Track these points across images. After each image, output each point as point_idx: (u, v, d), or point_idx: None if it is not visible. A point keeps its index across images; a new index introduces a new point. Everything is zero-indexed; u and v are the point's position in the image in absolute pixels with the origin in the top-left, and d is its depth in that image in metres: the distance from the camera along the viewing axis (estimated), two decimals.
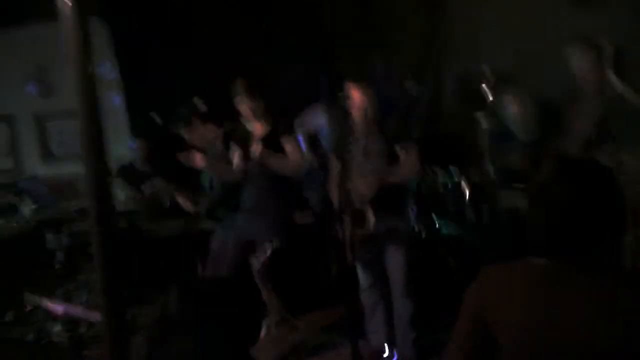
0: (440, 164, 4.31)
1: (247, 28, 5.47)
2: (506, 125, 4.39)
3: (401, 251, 3.64)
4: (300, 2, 5.44)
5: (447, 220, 4.27)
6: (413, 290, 3.68)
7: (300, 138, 4.66)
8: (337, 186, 3.31)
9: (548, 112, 4.40)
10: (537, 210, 1.62)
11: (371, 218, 3.42)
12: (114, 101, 5.89)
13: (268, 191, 3.94)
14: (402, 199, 3.82)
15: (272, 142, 3.86)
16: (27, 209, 4.97)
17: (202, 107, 3.97)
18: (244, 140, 4.00)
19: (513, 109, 4.30)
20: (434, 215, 4.31)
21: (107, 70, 5.69)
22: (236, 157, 4.06)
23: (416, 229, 4.31)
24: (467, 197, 4.03)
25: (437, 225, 4.36)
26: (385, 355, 3.83)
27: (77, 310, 3.08)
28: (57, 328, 4.13)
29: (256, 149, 3.79)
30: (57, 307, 2.94)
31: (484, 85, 4.17)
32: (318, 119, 5.07)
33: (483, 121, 4.21)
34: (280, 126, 3.92)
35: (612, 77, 3.55)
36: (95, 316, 2.71)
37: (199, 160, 3.89)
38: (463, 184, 4.06)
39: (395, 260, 3.66)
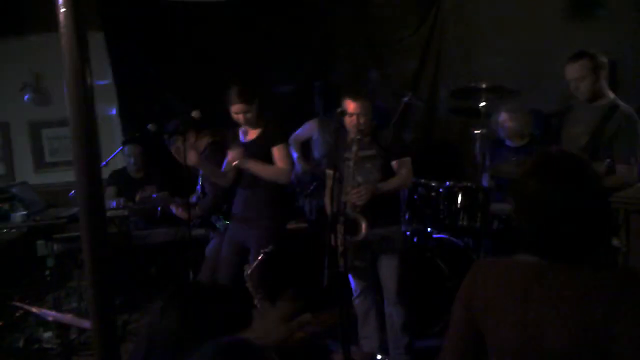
0: (433, 172, 4.32)
1: (243, 39, 5.49)
2: (499, 134, 4.42)
3: (394, 258, 3.65)
4: (296, 16, 5.48)
5: (440, 226, 4.28)
6: (406, 296, 3.69)
7: (292, 147, 4.69)
8: (331, 195, 3.33)
9: (542, 121, 4.44)
10: (521, 209, 1.61)
11: (364, 225, 3.42)
12: (107, 108, 5.90)
13: (260, 197, 3.94)
14: (395, 207, 3.83)
15: (261, 148, 3.87)
16: (18, 215, 4.94)
17: (197, 116, 3.96)
18: (236, 146, 4.00)
19: (506, 118, 4.32)
20: (426, 222, 4.32)
21: (102, 78, 5.70)
22: (228, 162, 4.06)
23: (409, 235, 4.32)
24: (460, 203, 4.04)
25: (429, 231, 4.37)
26: None
27: (67, 317, 3.06)
28: (48, 334, 4.12)
29: (233, 153, 3.79)
30: (47, 314, 2.92)
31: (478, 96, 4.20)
32: (310, 130, 5.09)
33: (476, 130, 4.24)
34: (272, 133, 3.93)
35: (606, 87, 3.58)
36: (86, 323, 2.70)
37: (192, 157, 3.88)
38: (456, 191, 4.07)
39: (388, 267, 3.66)
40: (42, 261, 4.64)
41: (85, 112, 1.22)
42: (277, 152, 3.86)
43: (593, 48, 3.58)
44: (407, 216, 4.27)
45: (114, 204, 4.81)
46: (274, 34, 5.48)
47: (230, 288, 3.46)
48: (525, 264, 1.59)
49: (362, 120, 3.53)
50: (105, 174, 5.27)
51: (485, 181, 4.21)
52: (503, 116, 4.32)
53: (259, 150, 3.85)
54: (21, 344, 4.07)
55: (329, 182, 3.63)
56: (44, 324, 4.07)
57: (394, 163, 3.65)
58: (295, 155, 4.82)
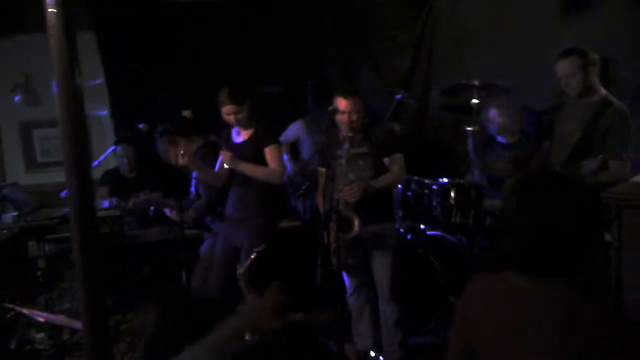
0: (426, 170, 4.33)
1: (235, 39, 5.48)
2: (490, 131, 4.43)
3: (387, 255, 3.66)
4: (287, 14, 5.47)
5: (433, 223, 4.29)
6: (399, 293, 3.69)
7: (282, 149, 4.69)
8: (323, 192, 3.33)
9: (534, 118, 4.45)
10: (502, 228, 1.66)
11: (356, 223, 3.43)
12: (99, 108, 5.89)
13: (252, 197, 3.94)
14: (388, 204, 3.84)
15: (253, 149, 3.86)
16: (9, 216, 4.91)
17: (189, 115, 3.95)
18: (227, 147, 4.00)
19: (496, 114, 4.33)
20: (419, 219, 4.33)
21: (94, 78, 5.69)
22: (219, 163, 4.06)
23: (402, 232, 4.33)
24: (453, 200, 4.05)
25: (422, 228, 4.38)
26: (372, 357, 3.83)
27: (59, 319, 3.04)
28: (40, 336, 4.10)
29: (224, 155, 3.78)
30: (39, 315, 2.90)
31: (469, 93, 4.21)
32: (297, 131, 5.10)
33: (469, 127, 4.25)
34: (264, 134, 3.93)
35: (597, 84, 3.59)
36: (78, 324, 2.68)
37: (184, 158, 3.87)
38: (449, 188, 4.08)
39: (381, 264, 3.67)
40: (34, 262, 4.62)
41: (74, 112, 1.22)
42: (269, 152, 3.86)
43: (585, 45, 3.59)
44: (400, 213, 4.27)
45: (106, 203, 4.79)
46: (265, 33, 5.47)
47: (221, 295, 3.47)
48: (511, 282, 1.62)
49: (353, 118, 3.53)
50: (98, 174, 5.25)
51: (478, 178, 4.22)
52: (493, 112, 4.34)
53: (251, 151, 3.85)
54: (13, 345, 4.04)
55: (321, 180, 3.63)
56: (37, 325, 4.05)
57: (386, 160, 3.66)
58: (285, 156, 4.82)
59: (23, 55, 5.73)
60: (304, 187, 4.80)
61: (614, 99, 3.53)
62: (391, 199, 3.91)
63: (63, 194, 4.70)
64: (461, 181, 4.12)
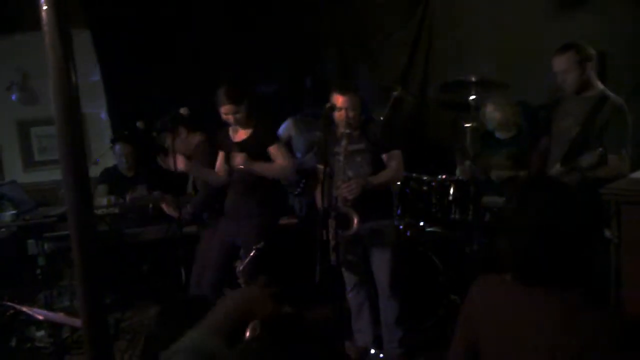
0: (425, 166, 4.33)
1: (231, 36, 5.47)
2: (487, 126, 4.42)
3: (386, 252, 3.65)
4: (284, 11, 5.46)
5: (432, 220, 4.29)
6: (399, 290, 3.70)
7: None
8: (322, 189, 3.33)
9: (531, 113, 4.44)
10: (500, 234, 1.69)
11: (355, 220, 3.42)
12: (97, 107, 5.89)
13: (251, 194, 3.94)
14: (387, 200, 3.84)
15: (255, 148, 3.86)
16: (7, 214, 4.91)
17: (185, 113, 3.95)
18: (227, 145, 4.00)
19: (492, 109, 4.32)
20: (418, 216, 4.33)
21: (90, 76, 5.68)
22: (219, 161, 4.06)
23: (401, 228, 4.33)
24: (452, 196, 4.05)
25: (422, 225, 4.38)
26: (372, 354, 3.83)
27: (58, 316, 3.04)
28: (40, 333, 4.10)
29: (236, 156, 3.79)
30: (39, 313, 2.90)
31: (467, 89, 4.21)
32: (288, 130, 5.10)
33: (467, 124, 4.24)
34: (266, 133, 3.93)
35: (595, 79, 3.58)
36: (78, 322, 2.68)
37: (180, 162, 3.88)
38: (447, 184, 4.08)
39: (380, 261, 3.67)
40: (33, 260, 4.62)
41: (70, 110, 1.21)
42: (274, 150, 3.89)
43: (582, 40, 3.58)
44: (399, 210, 4.27)
45: (104, 202, 4.79)
46: (262, 31, 5.46)
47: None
48: (512, 284, 1.65)
49: (351, 115, 3.53)
50: (97, 172, 5.25)
51: (475, 172, 4.21)
52: (489, 107, 4.33)
53: (253, 150, 3.85)
54: (13, 343, 4.05)
55: (319, 177, 3.63)
56: (36, 323, 4.05)
57: (384, 156, 3.65)
58: None
59: (19, 54, 5.73)
60: (301, 185, 4.80)
61: (611, 94, 3.52)
62: (390, 195, 3.91)
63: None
64: (460, 177, 4.12)
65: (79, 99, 1.24)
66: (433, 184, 4.13)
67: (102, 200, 4.78)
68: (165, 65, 5.48)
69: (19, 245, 4.71)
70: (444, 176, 4.14)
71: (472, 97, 4.19)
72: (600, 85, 3.58)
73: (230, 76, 4.38)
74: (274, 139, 3.97)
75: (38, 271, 4.65)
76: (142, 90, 5.52)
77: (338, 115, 3.54)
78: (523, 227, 1.58)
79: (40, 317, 2.87)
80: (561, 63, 3.52)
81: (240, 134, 3.97)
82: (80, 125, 1.26)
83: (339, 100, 3.52)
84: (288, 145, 5.13)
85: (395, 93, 4.87)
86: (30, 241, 4.58)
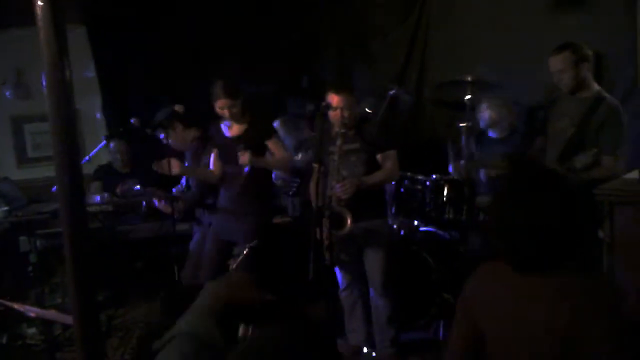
0: (419, 166, 4.33)
1: (228, 32, 5.46)
2: (481, 126, 4.43)
3: (379, 251, 3.65)
4: (281, 9, 5.45)
5: (426, 219, 4.29)
6: (392, 289, 3.70)
7: None
8: (316, 189, 3.32)
9: (526, 113, 4.45)
10: (491, 224, 1.72)
11: (349, 219, 3.42)
12: (92, 103, 5.87)
13: (245, 193, 3.94)
14: (380, 200, 3.83)
15: (252, 142, 3.86)
16: (0, 211, 4.88)
17: (180, 110, 3.95)
18: (220, 141, 3.99)
19: (484, 107, 4.32)
20: (413, 215, 4.33)
21: (85, 72, 5.66)
22: (213, 159, 4.05)
23: (395, 228, 4.33)
24: (446, 196, 4.05)
25: (416, 225, 4.38)
26: (364, 353, 3.83)
27: (50, 314, 3.03)
28: (32, 331, 4.08)
29: (243, 157, 3.80)
30: (30, 310, 2.89)
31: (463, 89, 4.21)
32: (278, 130, 5.09)
33: (462, 123, 4.25)
34: (262, 128, 3.94)
35: (591, 79, 3.59)
36: (69, 319, 2.67)
37: (175, 167, 3.88)
38: (442, 184, 4.08)
39: (373, 260, 3.67)
40: (25, 257, 4.60)
41: (64, 106, 1.21)
42: (272, 144, 3.94)
43: (579, 40, 3.59)
44: (393, 209, 4.27)
45: (97, 198, 4.77)
46: (259, 28, 5.45)
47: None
48: (507, 273, 1.66)
49: (346, 114, 3.52)
50: (91, 169, 5.23)
51: (470, 172, 4.22)
52: (483, 106, 4.33)
53: (250, 145, 3.85)
54: (4, 340, 4.03)
55: (314, 176, 3.63)
56: (28, 320, 4.04)
57: (378, 156, 3.65)
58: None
59: (14, 50, 5.71)
60: (295, 185, 4.80)
61: (607, 95, 3.53)
62: (383, 195, 3.91)
63: (54, 188, 4.67)
64: (454, 177, 4.12)
65: (73, 96, 1.23)
66: (427, 183, 4.13)
67: (95, 197, 4.76)
68: (160, 61, 5.47)
69: (11, 242, 4.69)
70: (438, 176, 4.14)
71: (468, 96, 4.20)
72: (596, 86, 3.59)
73: (227, 72, 4.38)
74: (272, 133, 3.99)
75: (30, 268, 4.63)
76: (137, 86, 5.51)
77: (333, 115, 3.54)
78: (518, 227, 1.58)
79: (32, 314, 2.86)
80: (557, 63, 3.53)
81: (235, 129, 3.96)
82: (75, 122, 1.25)
83: (334, 99, 3.52)
84: None
85: (391, 92, 4.87)
86: (23, 238, 4.57)
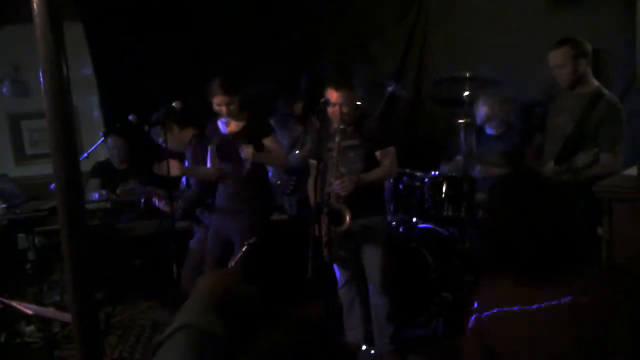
0: (418, 162, 4.33)
1: (228, 32, 5.45)
2: (477, 122, 4.42)
3: (378, 248, 3.65)
4: (282, 9, 5.44)
5: (425, 216, 4.29)
6: (390, 286, 3.69)
7: None
8: (315, 185, 3.32)
9: (525, 109, 4.44)
10: (492, 231, 1.70)
11: (348, 216, 3.42)
12: (89, 100, 5.86)
13: (244, 190, 3.93)
14: (379, 197, 3.83)
15: (250, 139, 3.86)
16: None
17: (178, 107, 3.93)
18: (220, 139, 3.99)
19: (481, 103, 4.32)
20: (411, 212, 4.33)
21: (83, 70, 5.65)
22: (211, 157, 4.05)
23: (393, 224, 4.33)
24: (445, 193, 4.05)
25: (414, 221, 4.38)
26: (363, 350, 3.83)
27: (48, 311, 3.02)
28: (30, 328, 4.08)
29: (246, 151, 3.80)
30: (28, 308, 2.88)
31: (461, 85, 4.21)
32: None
33: (460, 120, 4.24)
34: (260, 125, 3.94)
35: (590, 75, 3.58)
36: (68, 317, 2.67)
37: (175, 168, 3.87)
38: (441, 181, 4.08)
39: (372, 257, 3.66)
40: (23, 254, 4.59)
41: (61, 103, 1.20)
42: (270, 141, 3.94)
43: (578, 35, 3.58)
44: (392, 206, 4.26)
45: (96, 196, 4.77)
46: (259, 28, 5.44)
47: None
48: (515, 287, 1.64)
49: (344, 110, 3.51)
50: (89, 166, 5.22)
51: (468, 169, 4.21)
52: (479, 102, 4.33)
53: (248, 141, 3.84)
54: (3, 338, 4.02)
55: (312, 173, 3.62)
56: (26, 317, 4.03)
57: (377, 153, 3.64)
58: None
59: (11, 46, 5.68)
60: (292, 183, 4.79)
61: (606, 91, 3.52)
62: (382, 192, 3.90)
63: (52, 186, 4.66)
64: (453, 174, 4.12)
65: (70, 92, 1.22)
66: (426, 180, 4.12)
67: (94, 194, 4.76)
68: (158, 58, 5.46)
69: (9, 239, 4.68)
70: (437, 173, 4.13)
71: (466, 93, 4.19)
72: (595, 82, 3.58)
73: (225, 69, 4.37)
74: (269, 130, 3.98)
75: (28, 265, 4.63)
76: (135, 83, 5.49)
77: (332, 111, 3.53)
78: (517, 227, 1.58)
79: (30, 312, 2.85)
80: (556, 58, 3.52)
81: (232, 126, 3.96)
82: (72, 119, 1.25)
83: (333, 95, 3.51)
84: None
85: (389, 89, 4.86)
86: (21, 235, 4.56)
